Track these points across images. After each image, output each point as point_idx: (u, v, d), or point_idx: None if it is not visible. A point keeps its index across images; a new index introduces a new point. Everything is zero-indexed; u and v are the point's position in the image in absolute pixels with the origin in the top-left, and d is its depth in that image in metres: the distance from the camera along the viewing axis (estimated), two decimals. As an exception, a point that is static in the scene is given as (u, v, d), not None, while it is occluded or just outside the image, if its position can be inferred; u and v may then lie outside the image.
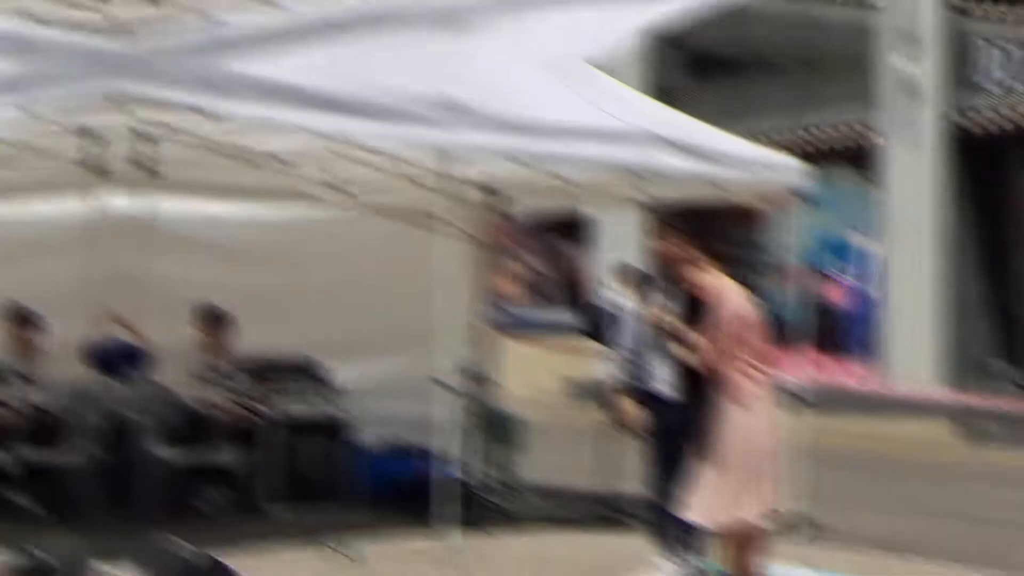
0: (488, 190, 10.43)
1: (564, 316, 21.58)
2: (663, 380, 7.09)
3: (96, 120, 7.94)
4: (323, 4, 9.48)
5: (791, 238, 11.27)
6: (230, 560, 6.52)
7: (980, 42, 18.88)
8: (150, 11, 7.33)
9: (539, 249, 23.22)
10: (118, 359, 9.63)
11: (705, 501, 6.26)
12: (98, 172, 8.75)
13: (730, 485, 6.20)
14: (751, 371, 6.38)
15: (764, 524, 6.32)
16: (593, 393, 7.39)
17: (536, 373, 14.36)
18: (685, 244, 6.70)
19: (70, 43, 6.66)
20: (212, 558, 6.22)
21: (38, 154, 8.69)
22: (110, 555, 6.67)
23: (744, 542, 6.36)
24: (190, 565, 6.06)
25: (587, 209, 14.45)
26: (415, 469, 9.84)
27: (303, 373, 10.13)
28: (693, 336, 6.42)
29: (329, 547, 7.91)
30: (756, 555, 6.40)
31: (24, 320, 9.97)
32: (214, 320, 9.98)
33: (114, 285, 9.49)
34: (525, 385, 12.92)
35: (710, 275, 6.44)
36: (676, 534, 7.04)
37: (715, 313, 6.29)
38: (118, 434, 9.07)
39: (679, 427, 6.83)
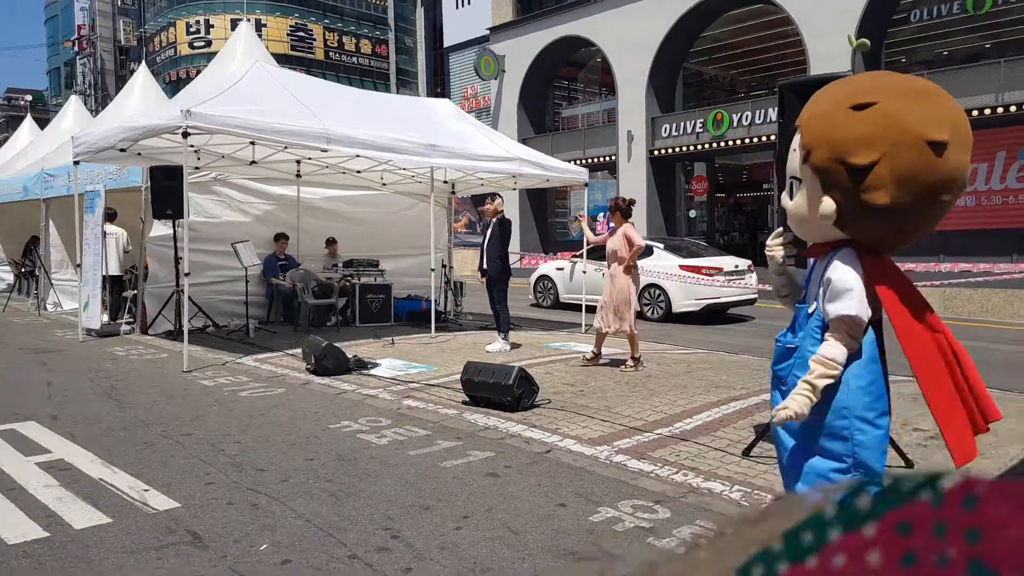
0: (450, 184, 11.29)
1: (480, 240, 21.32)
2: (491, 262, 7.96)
3: (287, 156, 9.15)
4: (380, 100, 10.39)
5: (582, 202, 11.68)
6: (342, 345, 7.42)
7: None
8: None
9: (471, 209, 23.41)
10: (289, 262, 10.35)
11: (606, 320, 6.90)
12: (295, 175, 10.02)
13: (609, 311, 6.87)
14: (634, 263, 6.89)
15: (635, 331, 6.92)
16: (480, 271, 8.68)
17: (470, 265, 14.23)
18: (611, 209, 7.12)
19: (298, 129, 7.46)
20: (330, 343, 6.87)
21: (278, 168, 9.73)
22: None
23: (602, 338, 7.07)
24: (321, 345, 6.74)
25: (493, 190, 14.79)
26: (420, 306, 10.48)
27: (372, 265, 10.51)
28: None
29: (383, 340, 8.69)
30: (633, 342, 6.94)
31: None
32: (332, 242, 10.70)
33: (291, 229, 10.58)
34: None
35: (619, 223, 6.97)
36: (502, 328, 8.07)
37: (629, 238, 6.81)
38: (299, 291, 9.77)
39: (497, 287, 8.09)
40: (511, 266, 8.43)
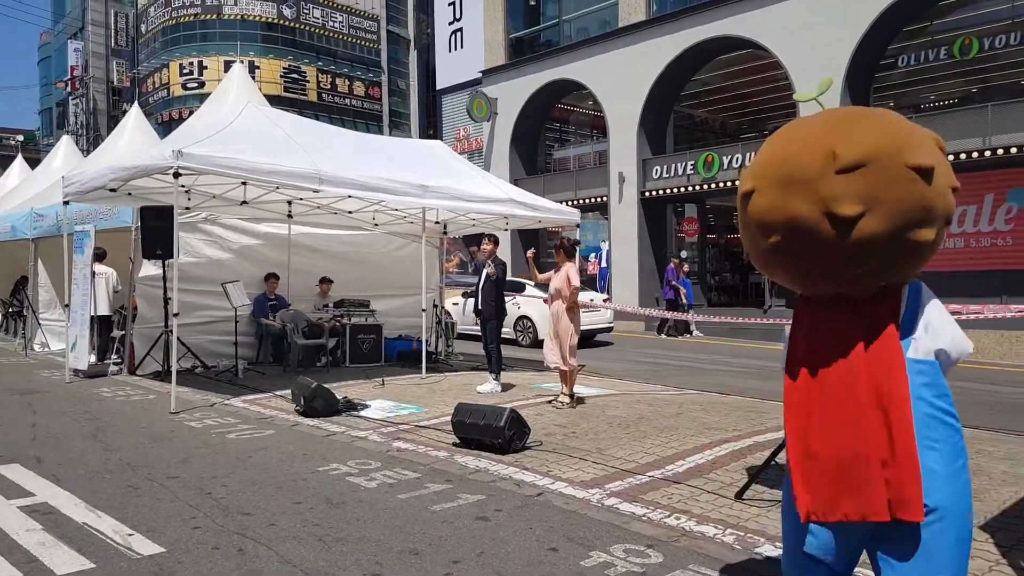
0: (441, 225, 11.27)
1: (473, 279, 21.58)
2: (485, 303, 8.01)
3: (278, 196, 9.14)
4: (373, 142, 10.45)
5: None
6: (332, 386, 7.35)
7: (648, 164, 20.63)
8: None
9: (463, 249, 23.61)
10: (280, 302, 10.33)
11: (551, 355, 7.13)
12: (287, 215, 10.02)
13: (558, 348, 7.08)
14: (574, 302, 7.08)
15: (574, 367, 7.10)
16: (475, 312, 8.71)
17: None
18: (556, 248, 7.27)
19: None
20: (320, 384, 6.79)
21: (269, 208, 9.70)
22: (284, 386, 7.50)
23: (565, 374, 7.11)
24: (311, 387, 6.70)
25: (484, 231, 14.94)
26: (410, 347, 10.59)
27: (363, 305, 10.53)
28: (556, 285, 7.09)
29: (373, 380, 8.62)
30: (570, 380, 7.13)
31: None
32: (325, 281, 10.72)
33: (281, 268, 10.53)
34: (455, 309, 14.07)
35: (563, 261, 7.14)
36: (494, 368, 8.10)
37: (566, 276, 7.02)
38: (289, 332, 9.77)
39: (490, 325, 8.14)
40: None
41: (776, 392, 8.21)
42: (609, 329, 15.02)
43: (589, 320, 13.14)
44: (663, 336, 16.51)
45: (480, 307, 8.22)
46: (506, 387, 8.17)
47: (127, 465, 5.16)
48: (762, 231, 1.99)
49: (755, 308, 17.65)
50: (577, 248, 7.47)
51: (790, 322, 2.21)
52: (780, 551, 3.29)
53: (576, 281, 7.08)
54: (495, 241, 8.32)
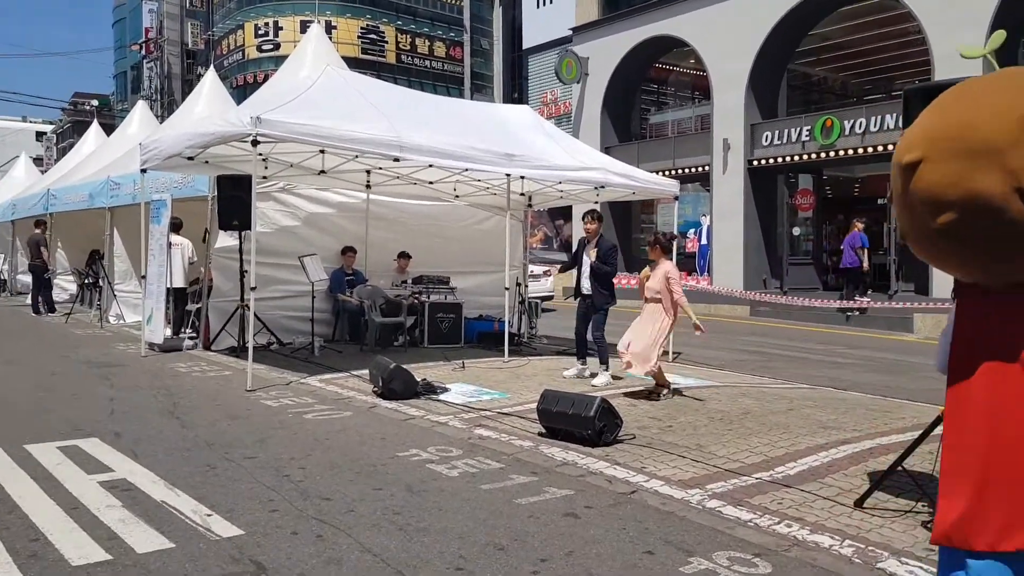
0: (526, 197, 11.30)
1: (559, 256, 21.24)
2: (585, 287, 7.86)
3: (357, 165, 9.27)
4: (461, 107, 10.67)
5: (671, 217, 11.95)
6: (410, 367, 7.34)
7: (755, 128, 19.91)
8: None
9: (548, 222, 23.66)
10: (357, 278, 10.54)
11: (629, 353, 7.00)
12: (365, 185, 10.24)
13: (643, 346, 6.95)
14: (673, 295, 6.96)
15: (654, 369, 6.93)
16: (566, 292, 8.68)
17: (543, 283, 15.27)
18: (651, 244, 7.24)
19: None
20: (399, 365, 6.94)
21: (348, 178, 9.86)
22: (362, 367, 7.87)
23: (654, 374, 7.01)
24: (389, 367, 6.86)
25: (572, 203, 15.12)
26: (491, 327, 10.70)
27: (442, 282, 10.66)
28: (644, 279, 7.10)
29: (453, 363, 8.76)
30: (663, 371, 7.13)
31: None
32: (403, 256, 10.91)
33: (358, 241, 10.78)
34: (539, 289, 14.22)
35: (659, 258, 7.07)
36: (582, 353, 8.09)
37: (670, 285, 6.94)
38: (366, 309, 9.92)
39: (586, 308, 7.93)
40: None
41: (901, 388, 7.97)
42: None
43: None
44: (848, 317, 15.59)
45: (592, 295, 7.85)
46: (594, 375, 8.03)
47: (204, 443, 5.42)
48: (932, 209, 1.85)
49: (879, 293, 16.89)
50: (674, 244, 7.41)
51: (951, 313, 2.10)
52: (906, 567, 3.23)
53: (678, 294, 6.95)
54: (599, 219, 7.92)
